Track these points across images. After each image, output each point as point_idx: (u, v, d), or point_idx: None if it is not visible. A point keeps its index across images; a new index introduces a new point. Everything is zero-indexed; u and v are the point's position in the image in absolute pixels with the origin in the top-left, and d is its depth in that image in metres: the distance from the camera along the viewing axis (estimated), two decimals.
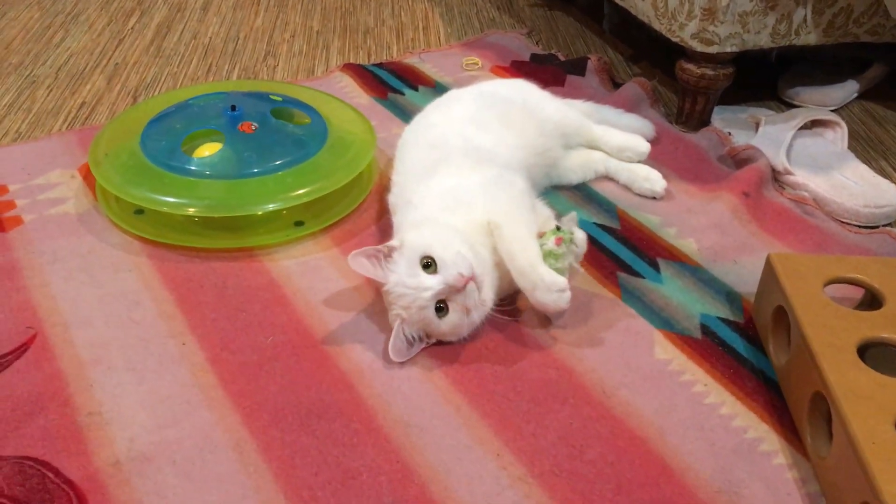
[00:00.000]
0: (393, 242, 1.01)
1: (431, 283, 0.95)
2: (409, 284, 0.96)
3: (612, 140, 1.34)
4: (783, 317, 0.98)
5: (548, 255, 1.02)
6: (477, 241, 1.02)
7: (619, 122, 1.42)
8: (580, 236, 1.06)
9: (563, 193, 1.32)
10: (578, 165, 1.33)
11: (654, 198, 1.30)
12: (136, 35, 1.88)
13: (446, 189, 1.09)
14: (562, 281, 0.99)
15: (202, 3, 2.07)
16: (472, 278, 0.96)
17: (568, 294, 0.99)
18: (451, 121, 1.23)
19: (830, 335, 0.90)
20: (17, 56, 1.76)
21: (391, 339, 0.98)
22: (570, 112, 1.34)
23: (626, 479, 0.86)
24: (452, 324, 0.98)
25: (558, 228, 1.04)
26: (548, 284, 0.99)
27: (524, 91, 1.34)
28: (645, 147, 1.33)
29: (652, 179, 1.31)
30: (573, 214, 1.08)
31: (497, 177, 1.10)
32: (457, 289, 0.95)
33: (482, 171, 1.11)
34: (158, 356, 1.00)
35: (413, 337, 0.99)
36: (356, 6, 2.09)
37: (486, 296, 1.00)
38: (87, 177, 1.31)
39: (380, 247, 1.00)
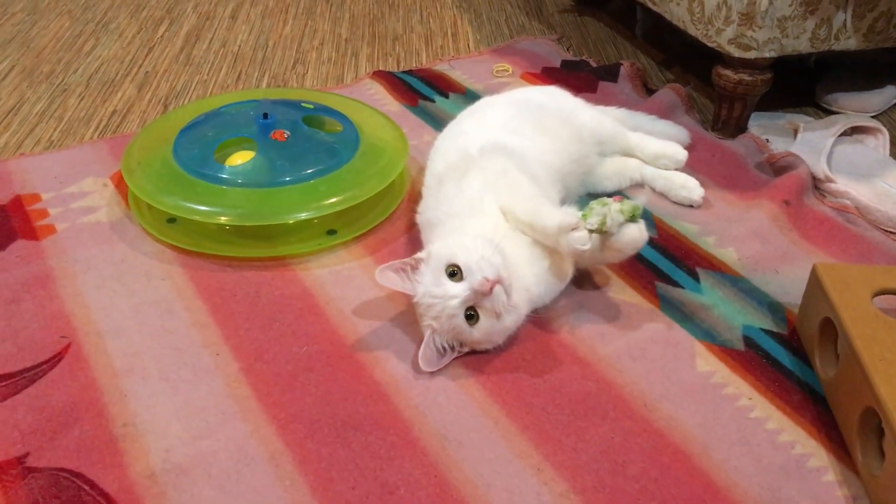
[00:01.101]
0: (420, 254, 1.00)
1: (457, 291, 0.94)
2: (435, 294, 0.95)
3: (647, 147, 1.32)
4: (830, 329, 0.95)
5: (598, 202, 1.00)
6: (508, 240, 1.01)
7: (653, 129, 1.40)
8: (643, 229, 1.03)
9: None
10: (614, 173, 1.31)
11: (692, 206, 1.28)
12: (166, 43, 1.89)
13: (457, 195, 1.08)
14: (569, 220, 0.98)
15: (231, 12, 2.07)
16: (499, 281, 0.94)
17: (581, 234, 0.97)
18: (485, 127, 1.21)
19: (881, 348, 0.87)
20: (48, 65, 1.76)
21: (421, 348, 0.96)
22: (605, 119, 1.32)
23: (671, 496, 0.84)
24: (484, 330, 0.96)
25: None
26: (559, 226, 0.98)
27: (558, 97, 1.32)
28: (682, 154, 1.31)
29: (689, 187, 1.28)
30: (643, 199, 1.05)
31: (494, 170, 1.09)
32: (483, 293, 0.93)
33: (481, 170, 1.09)
34: (192, 366, 0.99)
35: (445, 346, 0.98)
36: (384, 13, 2.08)
37: (518, 299, 0.98)
38: (120, 185, 1.31)
39: (406, 260, 0.99)
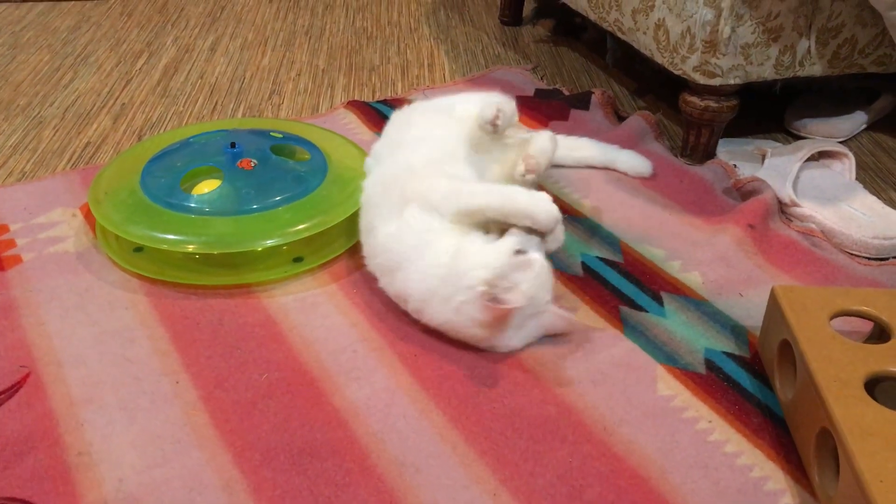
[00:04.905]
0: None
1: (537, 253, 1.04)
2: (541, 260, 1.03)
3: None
4: (789, 351, 0.95)
5: None
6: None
7: (616, 158, 1.43)
8: None
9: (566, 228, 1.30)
10: None
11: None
12: (144, 75, 1.90)
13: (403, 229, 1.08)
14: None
15: (210, 44, 2.09)
16: None
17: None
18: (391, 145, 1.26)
19: (836, 369, 0.87)
20: (25, 98, 1.78)
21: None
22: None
23: None
24: None
25: None
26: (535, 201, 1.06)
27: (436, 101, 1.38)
28: (546, 137, 1.28)
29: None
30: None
31: (423, 189, 1.09)
32: None
33: (409, 206, 1.09)
34: (151, 395, 0.98)
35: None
36: (362, 45, 2.10)
37: None
38: (88, 215, 1.31)
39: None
